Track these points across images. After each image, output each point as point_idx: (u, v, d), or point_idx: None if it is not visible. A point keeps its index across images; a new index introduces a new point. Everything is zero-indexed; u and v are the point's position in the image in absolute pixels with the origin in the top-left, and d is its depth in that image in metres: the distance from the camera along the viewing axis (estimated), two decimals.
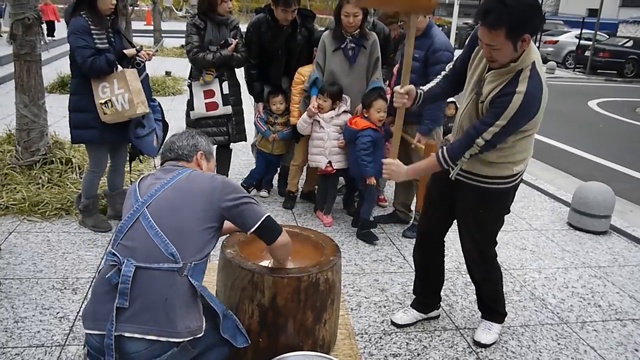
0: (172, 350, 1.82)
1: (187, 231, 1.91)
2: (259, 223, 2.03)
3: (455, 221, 2.79)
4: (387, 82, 4.33)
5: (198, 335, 1.90)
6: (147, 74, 3.69)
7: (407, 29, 3.79)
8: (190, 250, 1.91)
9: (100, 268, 1.93)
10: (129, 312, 1.79)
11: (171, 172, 2.06)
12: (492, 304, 2.89)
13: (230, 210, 2.00)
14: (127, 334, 1.78)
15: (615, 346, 2.93)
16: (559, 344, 2.91)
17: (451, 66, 2.66)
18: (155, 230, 1.88)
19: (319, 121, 4.04)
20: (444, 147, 2.47)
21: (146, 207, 1.94)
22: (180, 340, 1.83)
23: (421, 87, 2.64)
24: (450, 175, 2.62)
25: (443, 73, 2.68)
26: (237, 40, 4.14)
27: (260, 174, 4.74)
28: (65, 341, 2.59)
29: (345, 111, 4.04)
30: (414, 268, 3.06)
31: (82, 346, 1.92)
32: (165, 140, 2.23)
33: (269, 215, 2.07)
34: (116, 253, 1.88)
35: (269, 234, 2.08)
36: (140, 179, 2.11)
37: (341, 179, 4.51)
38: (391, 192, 4.74)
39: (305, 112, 4.07)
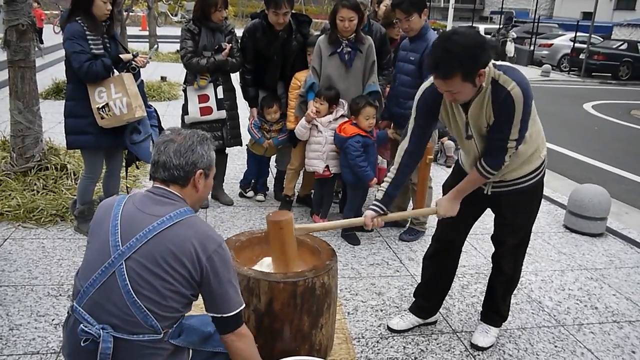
0: None
1: (168, 301, 1.71)
2: (224, 315, 1.78)
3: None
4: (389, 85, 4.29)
5: None
6: (142, 80, 3.69)
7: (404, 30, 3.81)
8: (171, 318, 1.74)
9: (67, 324, 1.78)
10: None
11: (161, 207, 1.77)
12: (501, 304, 2.87)
13: (206, 286, 1.76)
14: None
15: (612, 348, 2.93)
16: (555, 346, 2.91)
17: (407, 144, 2.59)
18: (133, 300, 1.66)
19: (316, 125, 4.04)
20: (481, 163, 2.45)
21: (124, 261, 1.68)
22: None
23: (377, 199, 2.60)
24: (485, 192, 2.62)
25: (399, 159, 2.61)
26: (231, 44, 4.15)
27: (253, 175, 4.78)
28: (61, 348, 2.57)
29: (342, 115, 4.04)
30: (421, 272, 3.03)
31: None
32: (159, 145, 1.86)
33: (239, 312, 1.80)
34: (88, 323, 1.67)
35: (222, 329, 1.82)
36: (123, 203, 1.81)
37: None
38: None
39: (304, 118, 4.07)
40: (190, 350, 1.90)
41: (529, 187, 2.58)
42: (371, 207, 2.62)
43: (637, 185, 6.57)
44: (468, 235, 2.86)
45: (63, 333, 1.81)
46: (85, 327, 1.66)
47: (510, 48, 17.68)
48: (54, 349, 2.56)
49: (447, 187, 2.79)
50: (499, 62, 2.34)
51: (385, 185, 2.64)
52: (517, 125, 2.30)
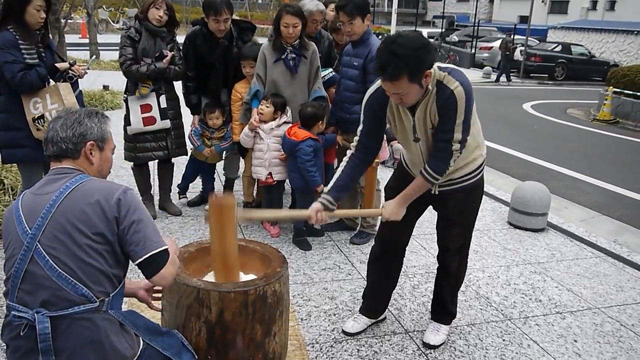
0: None
1: (93, 265, 1.71)
2: (146, 256, 1.76)
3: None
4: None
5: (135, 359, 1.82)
6: (80, 91, 3.57)
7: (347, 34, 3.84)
8: (103, 284, 1.74)
9: (5, 327, 1.75)
10: None
11: (56, 183, 1.78)
12: (449, 303, 2.94)
13: (122, 233, 1.76)
14: None
15: (556, 338, 3.05)
16: (503, 340, 3.00)
17: (360, 131, 2.62)
18: (57, 272, 1.66)
19: (259, 132, 4.01)
20: (426, 168, 2.49)
21: (38, 241, 1.68)
22: None
23: (325, 192, 2.61)
24: (433, 192, 2.66)
25: (355, 145, 2.63)
26: (172, 52, 4.06)
27: (189, 179, 4.72)
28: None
29: (286, 122, 4.03)
30: (366, 275, 3.07)
31: None
32: (48, 124, 1.89)
33: (162, 250, 1.81)
34: (21, 312, 1.66)
35: (151, 270, 1.79)
36: (21, 196, 1.83)
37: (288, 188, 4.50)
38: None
39: (247, 126, 4.03)
40: (141, 342, 1.86)
41: (473, 184, 2.66)
42: (319, 200, 2.58)
43: (574, 181, 6.88)
44: (418, 236, 2.91)
45: (3, 337, 1.77)
46: (19, 313, 1.67)
47: (517, 54, 19.01)
48: None
49: (389, 189, 2.83)
50: (444, 65, 2.41)
51: (330, 184, 2.64)
52: (459, 125, 2.36)
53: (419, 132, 2.48)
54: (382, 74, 2.26)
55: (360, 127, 2.62)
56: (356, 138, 2.65)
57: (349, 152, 2.67)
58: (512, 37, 18.77)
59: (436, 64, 2.36)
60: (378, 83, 2.47)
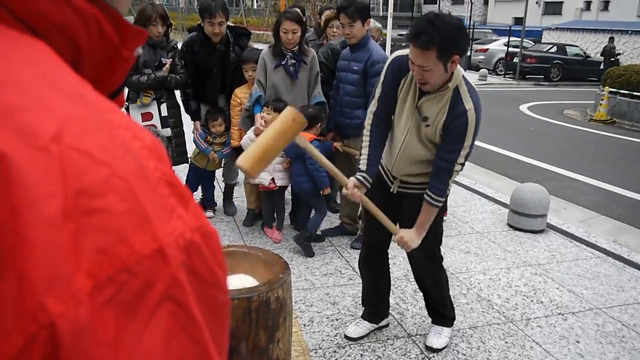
0: None
1: None
2: None
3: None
4: None
5: None
6: None
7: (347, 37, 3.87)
8: None
9: None
10: None
11: None
12: (442, 309, 2.95)
13: None
14: None
15: (558, 340, 3.06)
16: (506, 342, 3.01)
17: (375, 107, 2.61)
18: None
19: None
20: (429, 192, 2.50)
21: None
22: None
23: (361, 170, 2.55)
24: (391, 190, 2.68)
25: (370, 122, 2.61)
26: (172, 60, 4.09)
27: (193, 189, 4.67)
28: None
29: None
30: (361, 280, 3.09)
31: None
32: None
33: None
34: None
35: None
36: None
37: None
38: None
39: (251, 131, 4.03)
40: None
41: None
42: (356, 176, 2.52)
43: (572, 182, 6.90)
44: None
45: None
46: None
47: (621, 59, 19.90)
48: None
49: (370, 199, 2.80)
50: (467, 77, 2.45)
51: (363, 162, 2.58)
52: (466, 148, 2.39)
53: (418, 118, 2.46)
54: (414, 39, 2.26)
55: (377, 88, 2.58)
56: (370, 110, 2.61)
57: (367, 127, 2.61)
58: (614, 43, 19.13)
59: (463, 72, 2.41)
60: (405, 51, 2.45)
